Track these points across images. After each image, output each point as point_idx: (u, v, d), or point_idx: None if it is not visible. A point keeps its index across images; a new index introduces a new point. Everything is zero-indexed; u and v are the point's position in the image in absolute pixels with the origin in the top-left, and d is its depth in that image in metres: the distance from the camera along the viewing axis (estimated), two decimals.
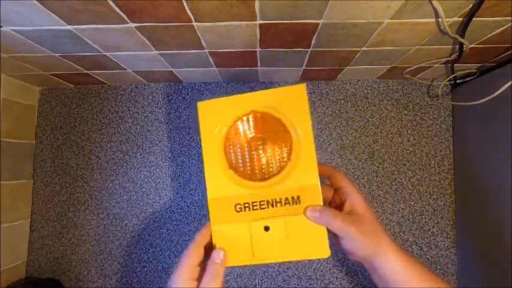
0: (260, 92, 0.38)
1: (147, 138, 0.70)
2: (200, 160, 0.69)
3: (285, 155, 0.37)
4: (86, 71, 0.61)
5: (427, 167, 0.67)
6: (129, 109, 0.70)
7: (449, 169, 0.67)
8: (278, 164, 0.37)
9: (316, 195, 0.35)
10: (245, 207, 0.37)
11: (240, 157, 0.38)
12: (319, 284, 0.66)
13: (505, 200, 0.52)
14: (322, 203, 0.35)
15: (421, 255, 0.66)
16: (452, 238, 0.66)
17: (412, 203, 0.67)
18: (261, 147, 0.38)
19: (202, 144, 0.40)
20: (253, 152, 0.38)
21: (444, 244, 0.66)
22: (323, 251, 0.34)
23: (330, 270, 0.66)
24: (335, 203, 0.39)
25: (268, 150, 0.38)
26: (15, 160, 0.65)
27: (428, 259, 0.66)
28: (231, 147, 0.39)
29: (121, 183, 0.69)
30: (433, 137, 0.68)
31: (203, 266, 0.35)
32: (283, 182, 0.36)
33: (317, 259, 0.66)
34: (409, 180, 0.67)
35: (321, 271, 0.66)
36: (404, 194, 0.67)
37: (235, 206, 0.37)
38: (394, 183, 0.67)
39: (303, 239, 0.35)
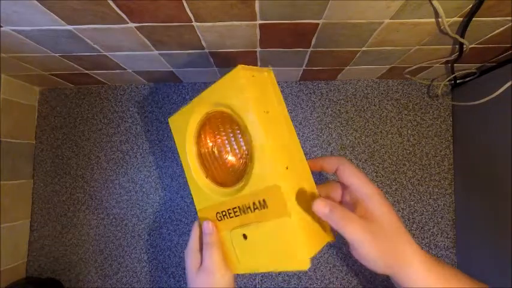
0: (210, 88, 0.34)
1: (147, 138, 0.70)
2: None
3: (243, 153, 0.32)
4: (86, 71, 0.61)
5: (427, 167, 0.67)
6: (129, 109, 0.70)
7: (449, 169, 0.67)
8: (241, 165, 0.33)
9: (279, 198, 0.28)
10: (223, 216, 0.34)
11: (211, 164, 0.36)
12: (319, 284, 0.66)
13: (505, 200, 0.52)
14: (288, 208, 0.28)
15: None
16: (452, 238, 0.66)
17: (412, 203, 0.67)
18: (222, 149, 0.34)
19: (180, 158, 0.38)
20: (218, 157, 0.35)
21: (444, 244, 0.66)
22: (301, 263, 0.28)
23: (330, 270, 0.66)
24: (347, 204, 0.32)
25: (229, 152, 0.34)
26: (15, 160, 0.65)
27: None
28: (204, 155, 0.36)
29: (121, 183, 0.69)
30: (433, 137, 0.68)
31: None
32: (248, 185, 0.31)
33: (319, 256, 0.66)
34: (409, 180, 0.67)
35: (321, 271, 0.66)
36: (404, 194, 0.67)
37: (216, 214, 0.35)
38: (394, 183, 0.67)
39: (279, 248, 0.30)
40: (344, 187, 0.32)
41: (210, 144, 0.36)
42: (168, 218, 0.68)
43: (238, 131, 0.33)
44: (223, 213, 0.35)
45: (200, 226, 0.37)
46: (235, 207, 0.33)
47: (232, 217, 0.34)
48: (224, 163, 0.35)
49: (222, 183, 0.36)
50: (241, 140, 0.33)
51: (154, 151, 0.69)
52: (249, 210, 0.32)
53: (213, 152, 0.36)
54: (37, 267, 0.68)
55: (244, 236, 0.33)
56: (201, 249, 0.36)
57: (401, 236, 0.29)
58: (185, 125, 0.37)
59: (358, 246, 0.27)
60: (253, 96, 0.30)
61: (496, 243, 0.55)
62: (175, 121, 0.39)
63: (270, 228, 0.30)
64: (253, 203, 0.31)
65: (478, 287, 0.29)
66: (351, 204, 0.31)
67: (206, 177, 0.36)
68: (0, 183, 0.60)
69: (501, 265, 0.53)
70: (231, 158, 0.34)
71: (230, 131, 0.33)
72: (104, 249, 0.68)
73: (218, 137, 0.35)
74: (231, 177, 0.34)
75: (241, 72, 0.30)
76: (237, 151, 0.33)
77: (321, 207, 0.28)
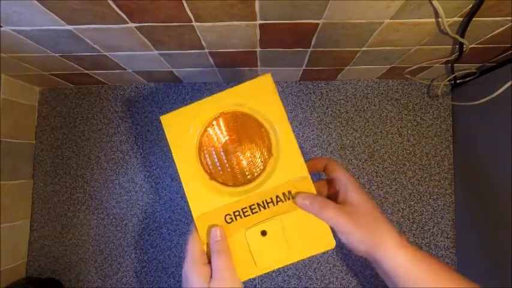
0: (225, 91, 0.36)
1: (147, 138, 0.70)
2: None
3: (264, 151, 0.35)
4: (86, 71, 0.61)
5: (427, 167, 0.67)
6: (129, 109, 0.70)
7: (449, 169, 0.67)
8: (260, 162, 0.35)
9: (307, 186, 0.33)
10: (236, 216, 0.34)
11: (218, 164, 0.35)
12: (319, 284, 0.66)
13: (505, 200, 0.52)
14: (315, 193, 0.33)
15: None
16: (452, 238, 0.66)
17: (412, 203, 0.67)
18: (238, 148, 0.35)
19: (175, 160, 0.36)
20: (231, 156, 0.35)
21: (444, 244, 0.66)
22: (328, 242, 0.32)
23: (330, 270, 0.66)
24: (331, 196, 0.36)
25: (246, 150, 0.35)
26: (15, 160, 0.65)
27: None
28: (207, 156, 0.35)
29: (121, 183, 0.69)
30: (433, 137, 0.68)
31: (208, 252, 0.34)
32: (270, 180, 0.34)
33: (319, 256, 0.66)
34: (409, 180, 0.67)
35: (321, 271, 0.66)
36: (404, 194, 0.67)
37: (225, 217, 0.34)
38: (394, 183, 0.67)
39: (304, 234, 0.33)
40: (330, 182, 0.37)
41: (222, 141, 0.36)
42: (168, 218, 0.68)
43: (259, 132, 0.35)
44: (236, 213, 0.34)
45: (199, 236, 0.35)
46: (252, 205, 0.34)
47: (248, 215, 0.34)
48: (232, 164, 0.35)
49: (226, 184, 0.35)
50: (261, 141, 0.35)
51: (154, 151, 0.69)
52: (270, 204, 0.34)
53: (224, 152, 0.36)
54: (37, 267, 0.68)
55: (263, 233, 0.33)
56: (208, 260, 0.34)
57: (377, 218, 0.32)
58: (188, 125, 0.36)
59: (338, 228, 0.31)
60: (280, 99, 0.34)
61: (495, 243, 0.55)
62: (172, 120, 0.37)
63: (297, 216, 0.33)
64: (277, 196, 0.33)
65: (471, 287, 0.30)
66: (334, 196, 0.35)
67: (210, 180, 0.35)
68: (0, 183, 0.60)
69: (501, 265, 0.53)
70: (245, 157, 0.35)
71: (247, 132, 0.36)
72: (104, 249, 0.68)
73: (234, 136, 0.36)
74: (241, 176, 0.35)
75: (271, 79, 0.35)
76: (256, 150, 0.35)
77: (301, 200, 0.33)
